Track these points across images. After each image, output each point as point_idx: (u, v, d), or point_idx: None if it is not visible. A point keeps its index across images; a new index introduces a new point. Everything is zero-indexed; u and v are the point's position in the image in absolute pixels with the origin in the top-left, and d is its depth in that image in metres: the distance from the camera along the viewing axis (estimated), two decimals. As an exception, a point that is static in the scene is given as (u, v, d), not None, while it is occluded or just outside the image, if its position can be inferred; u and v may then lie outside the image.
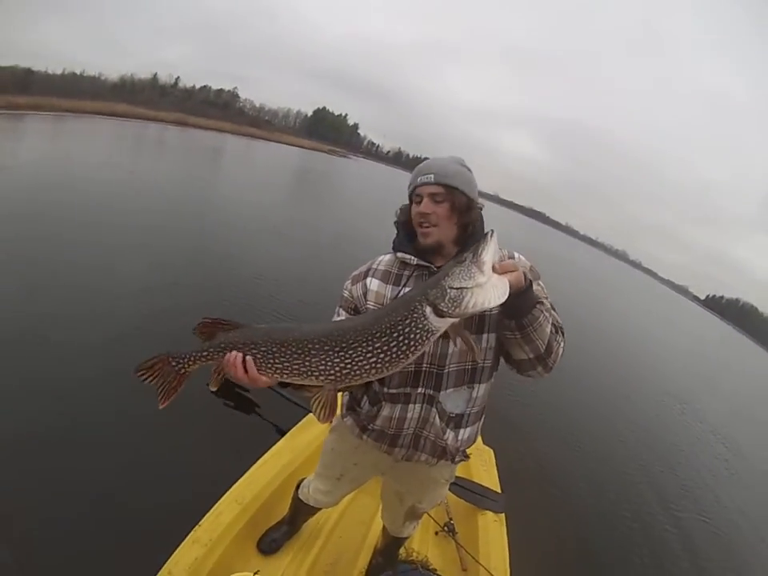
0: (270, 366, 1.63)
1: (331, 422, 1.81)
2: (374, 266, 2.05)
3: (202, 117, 62.45)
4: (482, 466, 4.03)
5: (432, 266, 1.90)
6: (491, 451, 4.30)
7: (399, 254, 1.97)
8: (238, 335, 1.67)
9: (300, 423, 3.86)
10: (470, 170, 1.92)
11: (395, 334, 1.53)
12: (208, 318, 1.70)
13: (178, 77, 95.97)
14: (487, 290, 1.47)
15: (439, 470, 2.23)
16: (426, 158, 2.02)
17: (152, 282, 7.53)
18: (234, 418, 4.64)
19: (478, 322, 1.84)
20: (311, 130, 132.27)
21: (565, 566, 4.29)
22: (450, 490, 3.12)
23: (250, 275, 9.25)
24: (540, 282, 1.84)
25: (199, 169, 25.03)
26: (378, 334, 1.55)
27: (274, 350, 1.62)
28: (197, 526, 2.53)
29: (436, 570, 2.91)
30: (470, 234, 1.90)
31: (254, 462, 3.20)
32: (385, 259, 2.05)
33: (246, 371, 1.62)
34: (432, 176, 1.84)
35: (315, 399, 1.66)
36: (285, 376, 1.64)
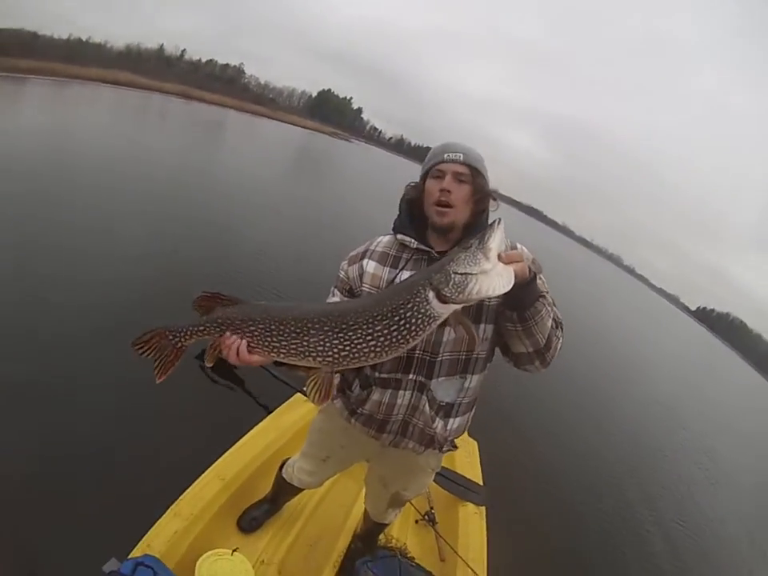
0: (267, 344, 1.61)
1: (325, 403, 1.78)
2: (372, 248, 2.00)
3: (207, 91, 61.97)
4: (466, 458, 4.05)
5: (432, 251, 1.86)
6: (475, 443, 4.33)
7: (399, 236, 1.92)
8: (236, 311, 1.64)
9: (287, 402, 3.85)
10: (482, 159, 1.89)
11: (396, 318, 1.50)
12: (207, 291, 1.67)
13: (185, 49, 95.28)
14: (492, 278, 1.44)
15: (426, 459, 2.20)
16: (427, 147, 1.99)
17: (150, 248, 7.52)
18: (219, 393, 4.61)
19: (475, 312, 1.80)
20: (314, 112, 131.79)
21: (542, 561, 4.34)
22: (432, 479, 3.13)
23: (249, 248, 9.34)
24: (541, 276, 1.78)
25: (201, 142, 24.93)
26: (379, 317, 1.52)
27: (272, 327, 1.60)
28: (178, 500, 2.52)
29: (414, 558, 2.91)
30: (477, 222, 1.86)
31: (239, 439, 3.18)
32: (384, 240, 2.01)
33: (237, 355, 1.61)
34: (461, 155, 1.79)
35: (311, 380, 1.63)
36: (282, 355, 1.61)
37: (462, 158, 1.79)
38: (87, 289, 5.58)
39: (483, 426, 4.02)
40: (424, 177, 1.90)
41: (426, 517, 3.29)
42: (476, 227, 1.84)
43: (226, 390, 4.66)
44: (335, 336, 1.55)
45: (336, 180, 29.44)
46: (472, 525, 3.28)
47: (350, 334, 1.54)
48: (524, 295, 1.57)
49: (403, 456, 2.15)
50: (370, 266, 1.95)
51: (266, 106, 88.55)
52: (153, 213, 9.46)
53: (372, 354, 1.55)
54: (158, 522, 2.35)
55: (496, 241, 1.49)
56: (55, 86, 28.33)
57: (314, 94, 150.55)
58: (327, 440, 2.39)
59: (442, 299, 1.47)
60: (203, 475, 2.75)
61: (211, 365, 1.70)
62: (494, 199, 1.88)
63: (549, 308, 1.67)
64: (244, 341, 1.61)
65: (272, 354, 1.62)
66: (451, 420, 1.99)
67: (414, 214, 1.93)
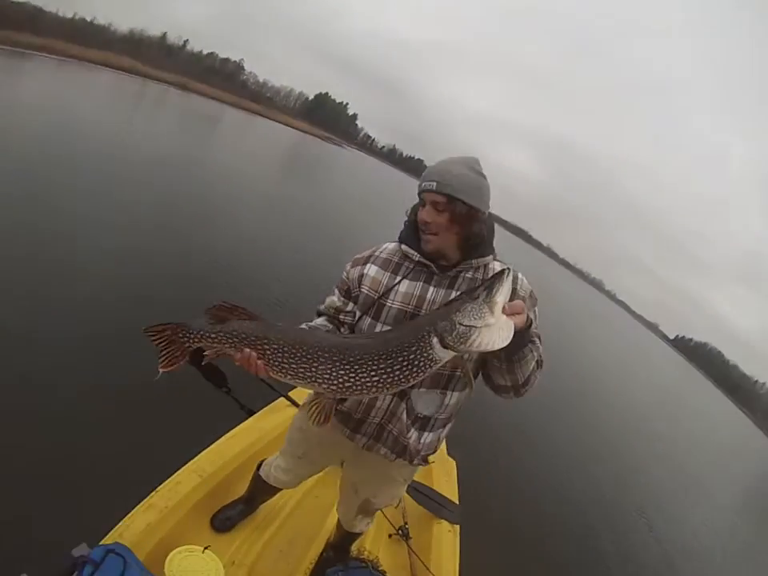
0: (276, 364, 1.68)
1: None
2: (377, 253, 2.05)
3: (205, 84, 61.97)
4: (443, 476, 4.04)
5: (432, 266, 1.90)
6: (453, 462, 4.31)
7: (404, 247, 1.97)
8: (253, 327, 1.71)
9: (270, 405, 3.83)
10: (483, 174, 1.88)
11: (400, 359, 1.58)
12: (227, 302, 1.74)
13: (187, 39, 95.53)
14: (494, 332, 1.50)
15: (398, 469, 2.23)
16: (419, 159, 2.00)
17: (126, 241, 7.47)
18: (203, 390, 4.55)
19: None
20: (310, 114, 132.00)
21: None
22: (408, 494, 3.12)
23: (235, 247, 9.30)
24: (535, 309, 1.89)
25: (193, 136, 24.98)
26: (384, 356, 1.59)
27: (285, 350, 1.67)
28: (153, 492, 2.50)
29: (386, 572, 2.88)
30: (472, 244, 1.89)
31: (219, 438, 3.17)
32: (389, 247, 2.05)
33: (256, 371, 1.68)
34: (434, 183, 1.81)
35: (314, 403, 1.73)
36: (289, 377, 1.69)
37: (434, 187, 1.80)
38: (64, 282, 5.52)
39: (462, 446, 4.04)
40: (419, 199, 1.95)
41: (400, 531, 3.25)
42: (476, 247, 1.90)
43: (209, 388, 4.60)
44: (342, 367, 1.62)
45: (329, 187, 29.49)
46: (445, 542, 3.27)
47: (356, 367, 1.61)
48: (516, 342, 1.60)
49: (376, 462, 2.16)
50: (371, 270, 1.99)
51: (262, 104, 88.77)
52: (133, 203, 9.46)
53: (374, 389, 1.63)
54: (132, 512, 2.33)
55: (503, 294, 1.55)
56: (55, 65, 28.21)
57: (311, 97, 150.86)
58: (305, 438, 2.40)
59: (445, 345, 1.54)
60: (181, 470, 2.74)
61: (204, 362, 1.74)
62: (484, 218, 1.89)
63: (535, 352, 1.74)
64: (261, 361, 1.67)
65: (279, 374, 1.70)
66: (426, 434, 2.02)
67: (417, 229, 1.95)
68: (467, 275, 1.90)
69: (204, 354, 1.75)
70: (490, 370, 1.85)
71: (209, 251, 8.46)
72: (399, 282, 1.92)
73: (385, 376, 1.59)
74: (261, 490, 2.80)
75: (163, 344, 1.71)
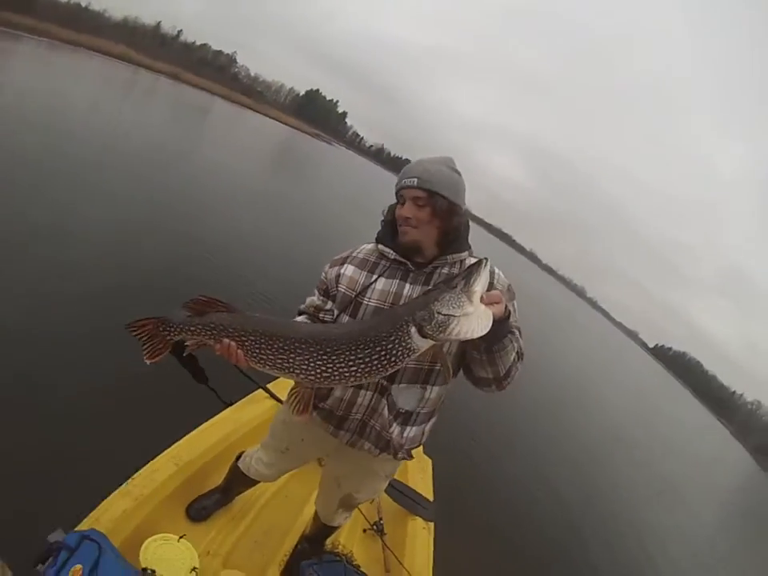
0: (254, 355, 1.71)
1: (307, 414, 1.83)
2: (354, 254, 2.08)
3: (196, 75, 61.64)
4: (419, 474, 4.07)
5: (408, 264, 1.93)
6: (429, 461, 4.35)
7: (380, 246, 2.00)
8: (230, 320, 1.73)
9: (248, 397, 3.81)
10: (458, 172, 1.94)
11: (378, 348, 1.59)
12: (204, 295, 1.76)
13: (181, 30, 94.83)
14: (472, 321, 1.52)
15: (381, 463, 2.24)
16: (407, 159, 2.03)
17: (112, 234, 7.34)
18: (180, 380, 4.53)
19: None
20: (300, 110, 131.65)
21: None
22: (384, 490, 3.13)
23: (219, 243, 9.17)
24: (514, 303, 1.91)
25: (182, 126, 24.78)
26: (362, 345, 1.61)
27: (262, 341, 1.69)
28: (130, 479, 2.48)
29: (359, 566, 2.89)
30: (451, 239, 1.93)
31: (197, 427, 3.15)
32: (366, 248, 2.09)
33: (237, 360, 1.71)
34: (415, 180, 1.85)
35: (293, 393, 1.76)
36: (267, 368, 1.71)
37: (416, 183, 1.85)
38: (47, 272, 5.43)
39: (438, 445, 4.06)
40: (396, 199, 1.98)
41: (375, 527, 3.27)
42: (452, 243, 1.94)
43: (186, 378, 4.58)
44: (319, 357, 1.64)
45: (316, 182, 29.42)
46: (419, 539, 3.30)
47: (334, 357, 1.63)
48: (496, 332, 1.62)
49: (359, 457, 2.17)
50: (348, 270, 2.02)
51: (252, 98, 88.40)
52: (119, 194, 9.30)
53: (352, 378, 1.65)
54: (108, 498, 2.32)
55: (481, 283, 1.57)
56: (46, 48, 27.90)
57: (302, 93, 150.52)
58: (288, 432, 2.41)
59: (423, 335, 1.56)
60: (158, 458, 2.72)
61: (184, 355, 1.78)
62: (464, 214, 1.94)
63: (515, 343, 1.76)
64: (240, 351, 1.70)
65: (258, 365, 1.72)
66: (408, 428, 2.03)
67: (395, 230, 1.99)
68: (443, 271, 1.93)
69: (185, 345, 1.77)
70: (471, 362, 1.86)
71: (195, 246, 8.33)
72: (376, 280, 1.95)
73: (362, 365, 1.61)
74: (239, 482, 2.80)
75: (145, 338, 1.74)
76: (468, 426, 7.20)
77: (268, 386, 3.94)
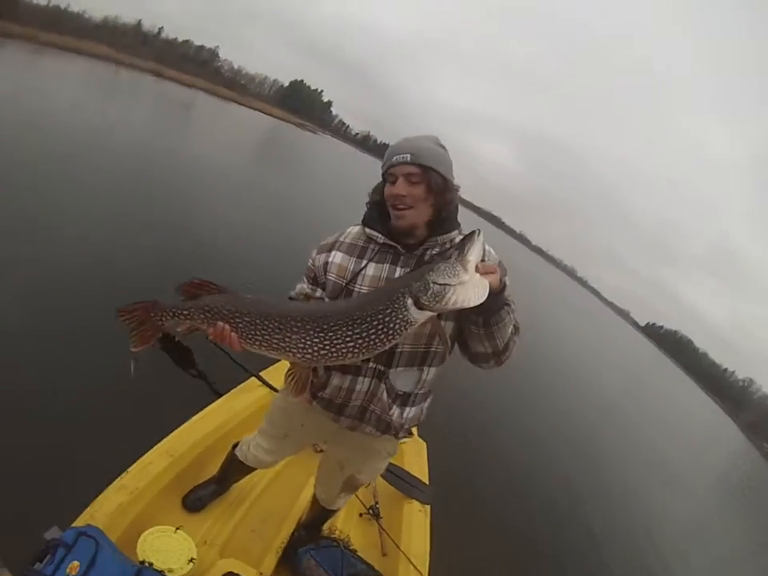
0: (250, 337, 1.68)
1: (305, 396, 1.82)
2: (341, 239, 2.03)
3: (179, 71, 61.20)
4: (414, 457, 4.09)
5: (398, 246, 1.88)
6: (424, 444, 4.38)
7: (367, 230, 1.96)
8: (223, 301, 1.70)
9: (241, 385, 3.82)
10: (445, 148, 1.89)
11: (375, 322, 1.58)
12: (197, 278, 1.73)
13: (162, 27, 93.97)
14: (468, 289, 1.52)
15: (382, 443, 2.25)
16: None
17: (99, 228, 7.27)
18: (173, 370, 4.52)
19: None
20: (285, 101, 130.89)
21: (484, 562, 4.43)
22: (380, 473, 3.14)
23: (206, 231, 9.16)
24: (506, 279, 1.84)
25: (166, 121, 24.63)
26: (359, 320, 1.59)
27: (257, 321, 1.67)
28: (124, 473, 2.48)
29: (356, 550, 2.91)
30: (443, 217, 1.89)
31: (190, 418, 3.14)
32: (353, 232, 2.04)
33: (230, 343, 1.68)
34: (408, 156, 1.78)
35: (290, 374, 1.74)
36: (263, 349, 1.69)
37: (409, 159, 1.78)
38: (36, 266, 5.40)
39: (433, 429, 4.08)
40: (383, 180, 1.92)
41: (371, 511, 3.29)
42: (441, 223, 1.89)
43: (178, 371, 4.57)
44: (316, 335, 1.63)
45: (301, 171, 29.27)
46: (416, 522, 3.32)
47: (330, 334, 1.62)
48: (492, 303, 1.62)
49: (360, 438, 2.18)
50: (337, 257, 1.97)
51: (236, 91, 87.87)
52: (105, 189, 9.20)
53: (350, 354, 1.64)
54: (103, 493, 2.32)
55: (475, 253, 1.57)
56: (28, 52, 27.58)
57: (286, 84, 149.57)
58: (287, 418, 2.40)
59: (420, 306, 1.55)
60: (152, 450, 2.72)
61: (177, 338, 1.76)
62: (455, 191, 1.89)
63: (511, 315, 1.75)
64: (234, 333, 1.68)
65: (254, 347, 1.70)
66: (407, 409, 2.04)
67: (383, 211, 1.94)
68: (434, 252, 1.89)
69: (173, 337, 1.77)
70: (469, 338, 1.84)
71: (182, 239, 8.25)
72: (365, 265, 1.90)
73: (360, 341, 1.60)
74: (235, 470, 2.79)
75: (134, 324, 1.71)
76: (461, 407, 7.23)
77: (261, 373, 3.94)
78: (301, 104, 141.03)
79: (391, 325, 1.57)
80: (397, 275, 1.86)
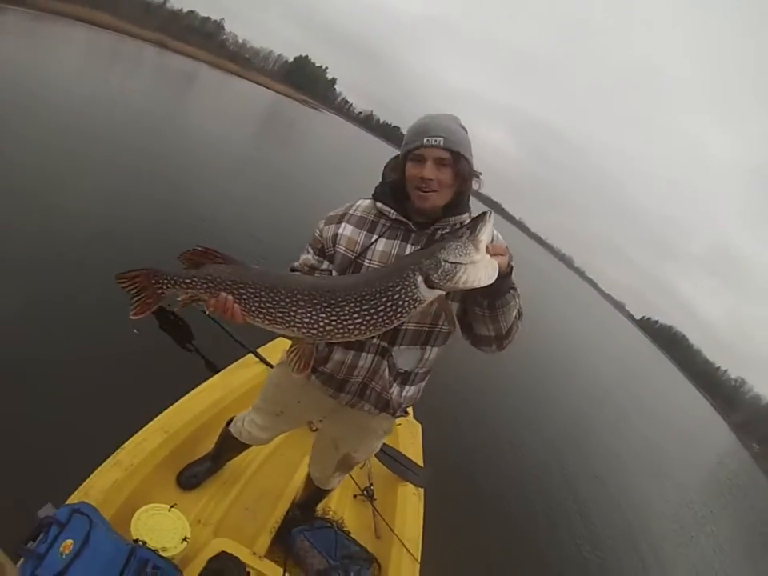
0: (253, 309, 1.63)
1: (306, 373, 1.78)
2: (351, 212, 1.98)
3: (184, 42, 60.64)
4: (409, 439, 4.08)
5: (410, 223, 1.85)
6: (419, 426, 4.36)
7: (379, 205, 1.90)
8: (228, 271, 1.63)
9: (238, 362, 3.80)
10: (466, 130, 1.83)
11: (384, 299, 1.55)
12: (201, 246, 1.67)
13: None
14: (479, 269, 1.50)
15: (379, 421, 2.24)
16: (395, 126, 1.94)
17: (99, 201, 7.21)
18: (169, 346, 4.49)
19: None
20: (289, 76, 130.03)
21: (476, 546, 4.48)
22: (374, 455, 3.13)
23: (211, 206, 9.15)
24: (511, 264, 1.80)
25: (169, 93, 24.47)
26: (367, 296, 1.56)
27: (262, 294, 1.61)
28: (119, 449, 2.45)
29: (350, 532, 2.92)
30: (458, 201, 1.86)
31: (186, 394, 3.12)
32: (363, 204, 1.98)
33: (232, 316, 1.62)
34: (441, 140, 1.71)
35: (293, 350, 1.68)
36: (267, 322, 1.64)
37: (442, 143, 1.71)
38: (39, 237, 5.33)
39: (428, 411, 4.07)
40: (404, 157, 1.83)
41: (365, 492, 3.30)
42: (456, 206, 1.86)
43: (175, 344, 4.55)
44: (323, 310, 1.58)
45: (303, 147, 29.13)
46: (410, 505, 3.32)
47: (338, 309, 1.57)
48: (500, 285, 1.60)
49: (357, 416, 2.17)
50: (347, 229, 1.93)
51: (240, 64, 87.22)
52: (106, 161, 9.00)
53: (356, 331, 1.60)
54: (98, 469, 2.29)
55: (486, 233, 1.55)
56: (29, 19, 27.30)
57: (291, 59, 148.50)
58: (283, 395, 2.36)
59: (430, 284, 1.52)
60: (147, 426, 2.69)
61: (178, 310, 1.70)
62: (478, 177, 1.85)
63: (517, 299, 1.74)
64: (237, 305, 1.61)
65: (257, 320, 1.64)
66: (407, 387, 2.03)
67: (395, 187, 1.89)
68: (445, 232, 1.85)
69: (171, 312, 1.73)
70: (473, 320, 1.82)
71: (182, 213, 8.14)
72: (376, 240, 1.87)
73: (368, 317, 1.57)
74: (230, 447, 2.78)
75: (135, 290, 1.64)
76: (457, 390, 7.28)
77: (258, 350, 3.91)
78: (305, 80, 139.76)
79: (400, 302, 1.55)
80: (407, 252, 1.83)
